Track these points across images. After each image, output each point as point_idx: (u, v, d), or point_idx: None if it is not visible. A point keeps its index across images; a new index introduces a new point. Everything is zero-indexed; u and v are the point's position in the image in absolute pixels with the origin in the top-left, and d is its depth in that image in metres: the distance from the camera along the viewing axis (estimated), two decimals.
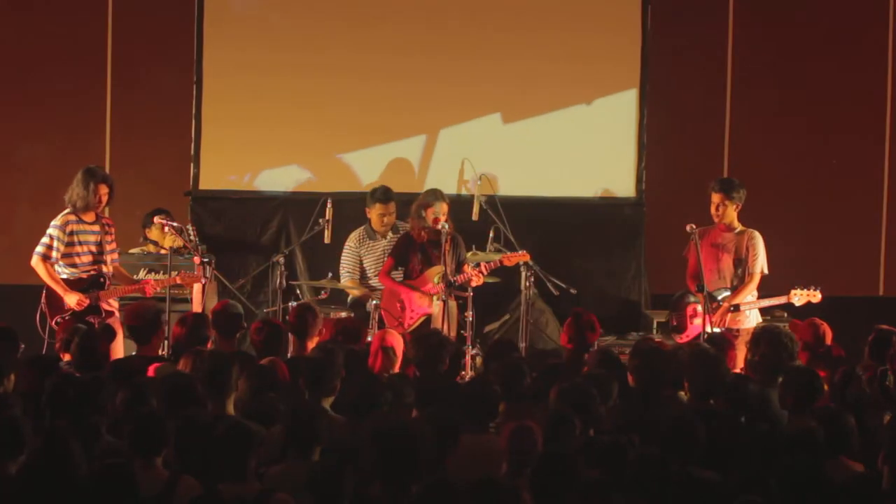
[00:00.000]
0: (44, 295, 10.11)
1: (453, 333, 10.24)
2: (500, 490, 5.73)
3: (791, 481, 5.94)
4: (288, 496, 5.91)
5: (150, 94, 12.35)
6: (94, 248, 10.15)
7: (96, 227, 10.18)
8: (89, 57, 12.38)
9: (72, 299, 9.95)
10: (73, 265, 10.09)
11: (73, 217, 10.13)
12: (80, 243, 10.11)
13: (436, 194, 10.70)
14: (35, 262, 10.10)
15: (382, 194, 11.22)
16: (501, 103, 12.37)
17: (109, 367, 8.03)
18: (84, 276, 10.10)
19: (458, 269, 10.53)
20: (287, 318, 9.58)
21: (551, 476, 5.80)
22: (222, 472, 6.09)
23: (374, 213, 11.24)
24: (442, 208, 10.56)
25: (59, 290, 10.01)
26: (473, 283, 10.45)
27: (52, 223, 10.14)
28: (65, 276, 10.07)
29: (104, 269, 10.15)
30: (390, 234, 11.20)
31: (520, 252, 10.68)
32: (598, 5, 12.50)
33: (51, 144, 12.38)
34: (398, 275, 10.74)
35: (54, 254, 10.04)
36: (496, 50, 12.32)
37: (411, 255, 10.64)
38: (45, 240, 10.11)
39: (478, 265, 10.56)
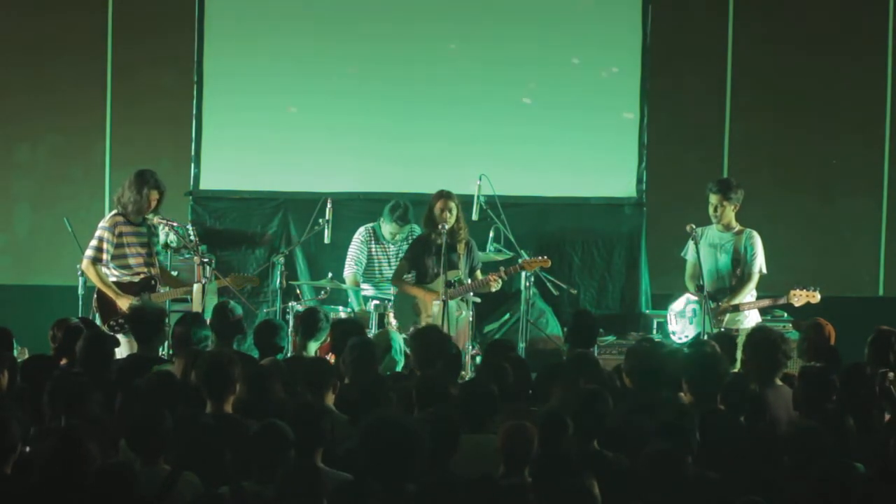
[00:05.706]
0: (95, 299, 9.93)
1: (463, 341, 10.17)
2: (499, 489, 5.73)
3: (822, 482, 5.95)
4: None
5: (151, 95, 12.36)
6: (142, 251, 9.99)
7: (143, 230, 10.03)
8: (90, 57, 12.38)
9: (124, 303, 9.76)
10: (126, 266, 9.92)
11: (120, 218, 9.96)
12: (129, 245, 9.95)
13: (442, 194, 10.65)
14: (85, 265, 9.90)
15: (400, 217, 11.07)
16: (502, 103, 12.37)
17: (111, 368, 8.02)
18: (135, 278, 9.94)
19: (471, 274, 10.52)
20: (293, 317, 9.57)
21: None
22: (252, 471, 6.09)
23: (385, 228, 11.20)
24: (448, 205, 10.54)
25: (110, 293, 9.81)
26: (493, 288, 10.45)
27: (101, 224, 9.97)
28: (114, 279, 9.89)
29: (153, 271, 10.01)
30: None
31: (541, 258, 10.65)
32: (600, 5, 12.50)
33: (51, 144, 12.40)
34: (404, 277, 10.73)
35: (105, 256, 9.86)
36: (497, 49, 12.32)
37: (425, 258, 10.58)
38: (93, 242, 9.91)
39: (497, 269, 10.53)
